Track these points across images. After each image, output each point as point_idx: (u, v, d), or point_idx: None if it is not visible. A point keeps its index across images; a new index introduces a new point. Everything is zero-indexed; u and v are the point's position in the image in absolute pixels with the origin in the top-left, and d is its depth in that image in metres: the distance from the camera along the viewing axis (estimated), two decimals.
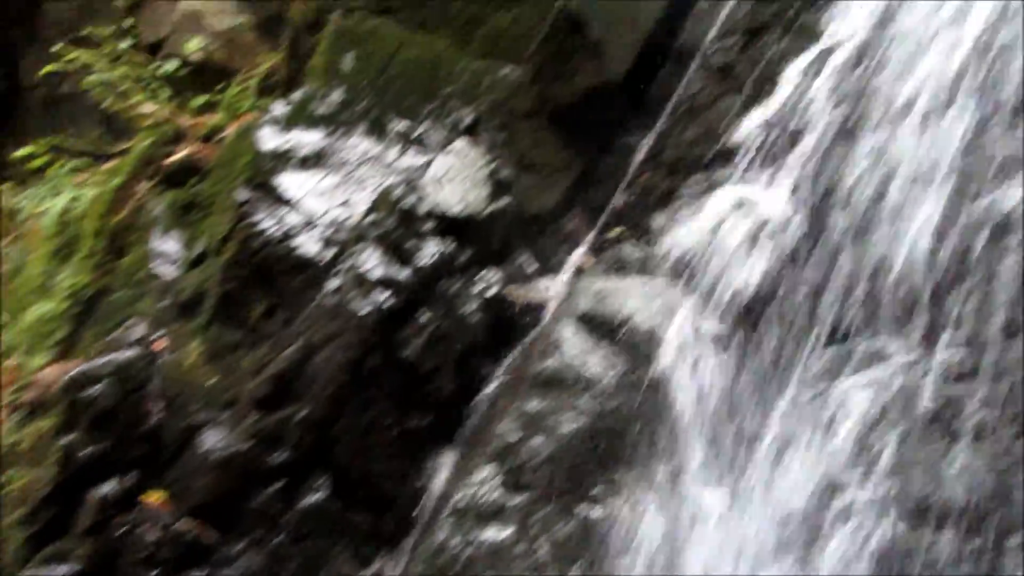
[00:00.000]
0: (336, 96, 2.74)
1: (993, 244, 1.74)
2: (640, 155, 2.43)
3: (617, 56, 2.55)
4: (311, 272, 2.45)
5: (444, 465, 2.34)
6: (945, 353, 1.76)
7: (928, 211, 1.80)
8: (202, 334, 2.57)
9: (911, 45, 1.92)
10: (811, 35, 2.10)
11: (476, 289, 2.47)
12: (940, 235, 1.79)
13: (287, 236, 2.48)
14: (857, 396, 1.82)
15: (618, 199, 2.44)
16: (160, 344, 2.61)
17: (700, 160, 2.24)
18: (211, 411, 2.44)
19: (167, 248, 2.86)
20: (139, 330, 2.64)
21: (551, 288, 2.49)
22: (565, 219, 2.62)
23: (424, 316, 2.40)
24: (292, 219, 2.51)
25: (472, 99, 2.72)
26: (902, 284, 1.84)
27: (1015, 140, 1.76)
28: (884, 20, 1.99)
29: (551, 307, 2.41)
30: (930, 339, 1.79)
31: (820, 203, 1.97)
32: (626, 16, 2.55)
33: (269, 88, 3.15)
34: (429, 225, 2.48)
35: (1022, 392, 1.67)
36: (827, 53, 2.03)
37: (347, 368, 2.34)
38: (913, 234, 1.82)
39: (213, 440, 2.37)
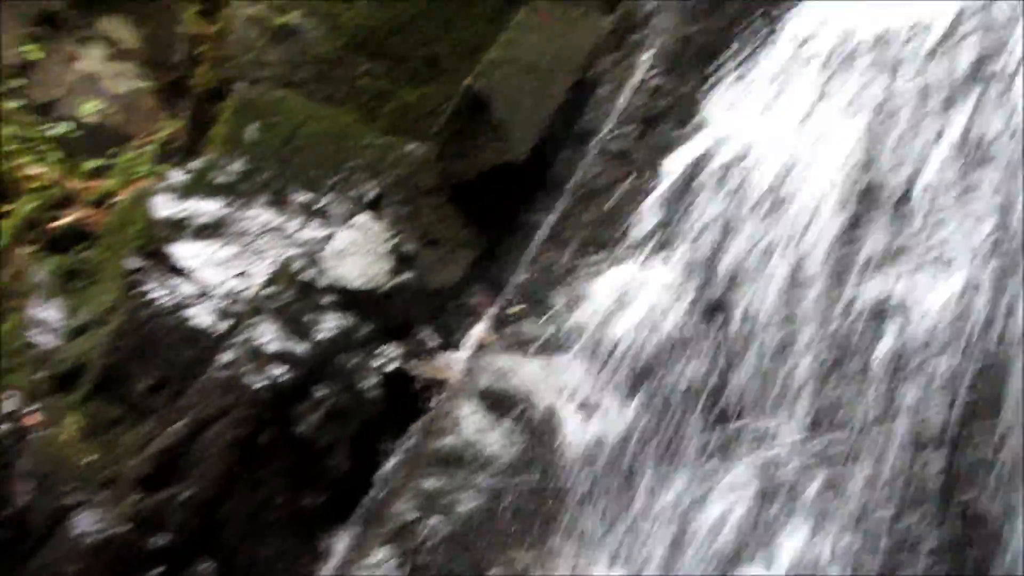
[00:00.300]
0: (238, 166, 2.70)
1: (870, 331, 1.85)
2: (542, 234, 2.48)
3: (520, 137, 2.62)
4: (203, 345, 2.37)
5: (338, 546, 2.26)
6: (828, 436, 1.83)
7: (810, 297, 1.90)
8: (80, 409, 2.43)
9: (793, 141, 2.05)
10: (703, 127, 2.23)
11: (376, 364, 2.44)
12: (822, 320, 1.89)
13: (179, 307, 2.41)
14: (747, 476, 1.87)
15: (520, 276, 2.48)
16: (33, 419, 2.46)
17: (598, 241, 2.31)
18: (86, 491, 2.29)
19: (47, 316, 2.72)
20: (10, 403, 2.48)
21: (452, 364, 2.48)
22: (467, 295, 2.63)
23: (321, 391, 2.35)
24: (185, 289, 2.44)
25: (377, 173, 2.74)
26: (788, 367, 1.92)
27: (888, 233, 1.90)
28: (770, 116, 2.13)
29: (452, 383, 2.39)
30: (815, 422, 1.87)
31: (711, 286, 2.06)
32: (530, 99, 2.64)
33: (167, 155, 3.08)
34: (329, 298, 2.45)
35: (899, 475, 1.76)
36: (718, 145, 2.15)
37: (238, 445, 2.26)
38: (798, 318, 1.92)
39: (87, 523, 2.22)
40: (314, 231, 2.60)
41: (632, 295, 2.12)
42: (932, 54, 1.91)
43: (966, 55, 1.88)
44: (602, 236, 2.29)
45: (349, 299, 2.47)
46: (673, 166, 2.19)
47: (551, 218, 2.46)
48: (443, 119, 2.71)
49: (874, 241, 1.88)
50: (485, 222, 2.66)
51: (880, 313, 1.84)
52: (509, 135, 2.61)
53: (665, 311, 2.06)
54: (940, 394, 1.75)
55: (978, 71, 1.87)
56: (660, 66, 2.39)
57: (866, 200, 1.92)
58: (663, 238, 2.13)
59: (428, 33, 2.93)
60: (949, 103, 1.87)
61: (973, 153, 1.84)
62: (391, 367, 2.44)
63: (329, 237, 2.58)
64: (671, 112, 2.31)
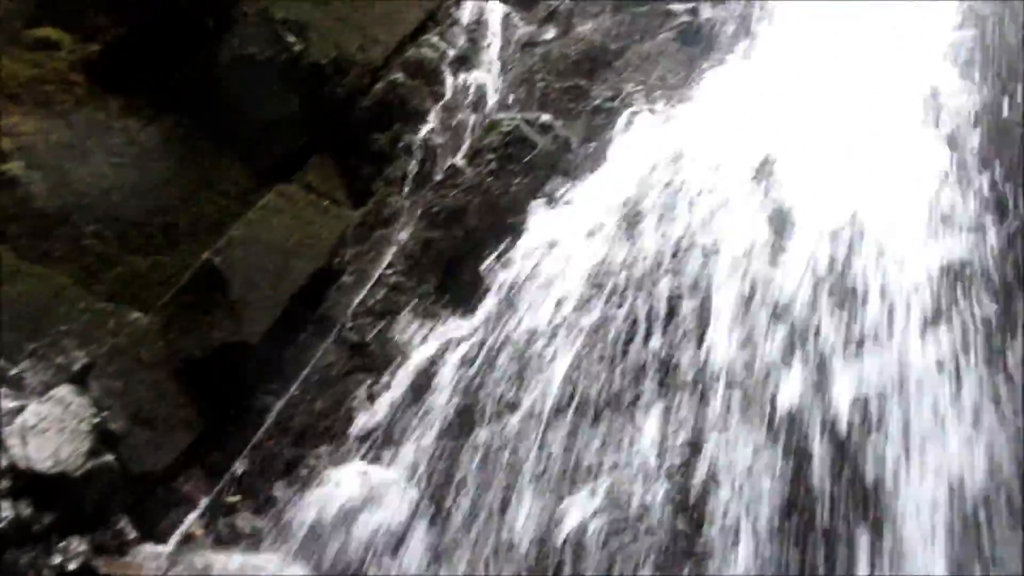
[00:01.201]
0: None
1: (580, 538, 1.93)
2: (269, 420, 2.37)
3: (256, 317, 2.54)
4: None
5: None
6: None
7: (529, 506, 1.96)
8: None
9: (522, 347, 2.18)
10: (438, 325, 2.31)
11: (55, 561, 2.12)
12: (545, 528, 1.94)
13: None
14: None
15: (240, 464, 2.33)
16: None
17: (327, 432, 2.25)
18: None
19: None
20: None
21: (151, 560, 2.22)
22: (179, 481, 2.41)
23: None
24: None
25: (90, 342, 2.51)
26: (510, 571, 1.93)
27: (598, 441, 2.03)
28: (500, 322, 2.26)
29: None
30: None
31: (439, 486, 2.06)
32: (270, 280, 2.59)
33: None
34: (6, 483, 2.12)
35: None
36: (452, 345, 2.23)
37: None
38: (517, 527, 1.95)
39: None
40: (1, 402, 2.29)
41: (353, 492, 2.06)
42: (640, 285, 2.16)
43: (664, 291, 2.14)
44: (330, 428, 2.24)
45: (32, 483, 2.16)
46: (409, 363, 2.23)
47: (280, 404, 2.37)
48: (174, 291, 2.58)
49: (586, 447, 2.00)
50: (209, 403, 2.50)
51: (593, 518, 1.92)
52: (244, 314, 2.53)
53: (386, 512, 2.02)
54: None
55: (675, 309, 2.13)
56: (401, 264, 2.48)
57: (580, 409, 2.05)
58: (390, 435, 2.12)
59: (168, 202, 2.82)
60: (648, 332, 2.10)
61: (668, 377, 2.06)
62: (73, 564, 2.13)
63: (18, 411, 2.28)
64: (409, 310, 2.38)
